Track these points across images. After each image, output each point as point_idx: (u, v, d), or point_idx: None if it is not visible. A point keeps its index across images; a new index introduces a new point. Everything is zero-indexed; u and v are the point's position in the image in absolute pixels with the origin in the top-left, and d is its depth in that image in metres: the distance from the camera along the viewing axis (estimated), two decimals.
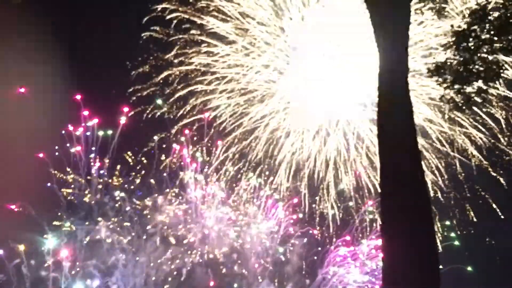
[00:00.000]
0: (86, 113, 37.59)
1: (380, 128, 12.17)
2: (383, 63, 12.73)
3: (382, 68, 12.69)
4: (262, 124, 38.07)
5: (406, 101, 12.32)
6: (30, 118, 33.24)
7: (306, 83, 37.32)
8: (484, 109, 35.23)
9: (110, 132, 38.07)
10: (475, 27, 13.60)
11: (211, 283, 37.72)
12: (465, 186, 37.54)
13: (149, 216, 38.18)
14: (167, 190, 39.08)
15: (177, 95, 37.93)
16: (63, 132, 37.37)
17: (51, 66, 32.97)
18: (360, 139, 37.61)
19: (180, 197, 39.16)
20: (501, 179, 36.71)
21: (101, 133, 37.95)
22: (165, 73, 37.41)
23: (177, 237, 38.11)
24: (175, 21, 36.69)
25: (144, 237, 37.51)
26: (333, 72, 36.43)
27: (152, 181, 38.90)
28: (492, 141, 36.03)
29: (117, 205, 37.67)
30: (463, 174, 37.22)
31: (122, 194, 37.92)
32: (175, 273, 37.35)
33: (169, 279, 37.13)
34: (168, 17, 36.49)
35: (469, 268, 39.04)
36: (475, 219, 37.88)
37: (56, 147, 37.25)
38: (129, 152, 38.89)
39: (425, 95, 36.17)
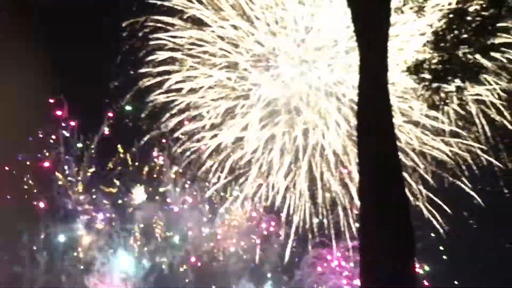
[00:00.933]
0: (59, 113, 37.14)
1: (359, 134, 11.83)
2: (363, 62, 12.45)
3: (362, 66, 12.40)
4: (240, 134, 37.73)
5: (386, 102, 12.02)
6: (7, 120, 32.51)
7: (285, 92, 37.07)
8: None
9: (87, 142, 38.16)
10: (454, 26, 13.41)
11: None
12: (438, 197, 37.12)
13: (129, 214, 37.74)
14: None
15: (154, 103, 37.36)
16: (40, 135, 36.86)
17: (31, 69, 32.28)
18: (335, 151, 37.28)
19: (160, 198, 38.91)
20: (475, 195, 36.25)
21: (79, 145, 37.69)
22: (143, 82, 36.86)
23: (157, 235, 37.77)
24: (155, 35, 36.20)
25: (124, 234, 37.01)
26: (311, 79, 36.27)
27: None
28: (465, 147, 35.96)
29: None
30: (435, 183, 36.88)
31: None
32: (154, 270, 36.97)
33: (149, 277, 36.70)
34: (148, 28, 36.01)
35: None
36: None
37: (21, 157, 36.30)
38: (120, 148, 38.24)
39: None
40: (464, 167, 35.83)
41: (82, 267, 35.57)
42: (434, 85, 13.75)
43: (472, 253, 38.46)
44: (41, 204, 35.93)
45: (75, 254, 35.54)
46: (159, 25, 36.03)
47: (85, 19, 39.78)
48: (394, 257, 10.24)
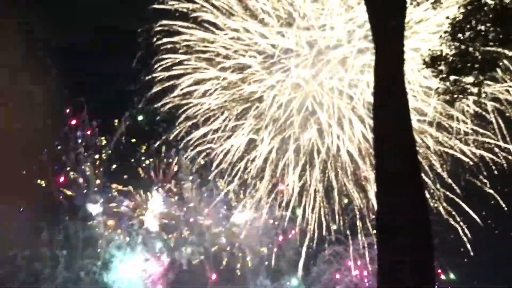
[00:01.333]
0: (73, 122, 37.87)
1: (376, 135, 11.55)
2: (378, 60, 12.18)
3: (377, 66, 12.13)
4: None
5: (403, 100, 11.76)
6: (28, 121, 32.92)
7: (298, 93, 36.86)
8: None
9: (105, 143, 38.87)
10: (471, 18, 13.10)
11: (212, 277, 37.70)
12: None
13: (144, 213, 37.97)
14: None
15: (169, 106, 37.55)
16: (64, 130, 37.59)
17: (52, 75, 32.84)
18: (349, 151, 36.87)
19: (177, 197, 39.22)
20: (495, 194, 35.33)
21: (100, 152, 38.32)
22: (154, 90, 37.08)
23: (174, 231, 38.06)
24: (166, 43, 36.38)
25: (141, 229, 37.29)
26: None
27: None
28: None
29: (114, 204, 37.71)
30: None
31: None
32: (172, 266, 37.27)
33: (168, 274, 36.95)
34: (161, 34, 36.21)
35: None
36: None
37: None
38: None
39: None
40: (481, 166, 35.17)
41: (101, 264, 35.87)
42: (451, 78, 13.46)
43: (494, 254, 37.58)
44: (61, 203, 36.53)
45: (94, 251, 36.04)
46: (172, 29, 36.26)
47: (103, 27, 40.38)
48: (412, 261, 9.95)
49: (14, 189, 31.88)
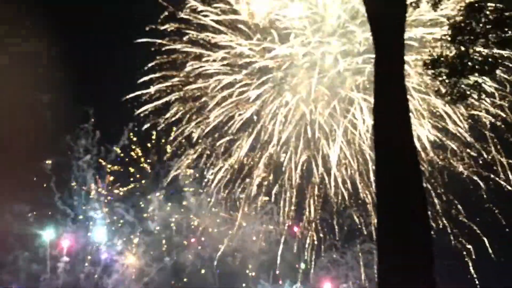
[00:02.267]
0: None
1: (377, 150, 11.30)
2: (379, 60, 12.05)
3: (378, 69, 11.98)
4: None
5: (403, 101, 11.60)
6: (33, 127, 32.84)
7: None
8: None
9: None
10: (471, 20, 13.04)
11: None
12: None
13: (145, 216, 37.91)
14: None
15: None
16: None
17: (63, 78, 32.91)
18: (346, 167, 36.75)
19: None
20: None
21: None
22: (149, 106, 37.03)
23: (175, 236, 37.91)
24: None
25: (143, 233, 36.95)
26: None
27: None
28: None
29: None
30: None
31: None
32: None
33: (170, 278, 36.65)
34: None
35: None
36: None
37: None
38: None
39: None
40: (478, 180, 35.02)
41: (101, 268, 35.74)
42: (452, 79, 13.33)
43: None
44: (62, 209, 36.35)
45: (94, 255, 36.10)
46: (169, 47, 36.34)
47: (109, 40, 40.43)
48: (412, 265, 9.72)
49: (17, 194, 31.89)
